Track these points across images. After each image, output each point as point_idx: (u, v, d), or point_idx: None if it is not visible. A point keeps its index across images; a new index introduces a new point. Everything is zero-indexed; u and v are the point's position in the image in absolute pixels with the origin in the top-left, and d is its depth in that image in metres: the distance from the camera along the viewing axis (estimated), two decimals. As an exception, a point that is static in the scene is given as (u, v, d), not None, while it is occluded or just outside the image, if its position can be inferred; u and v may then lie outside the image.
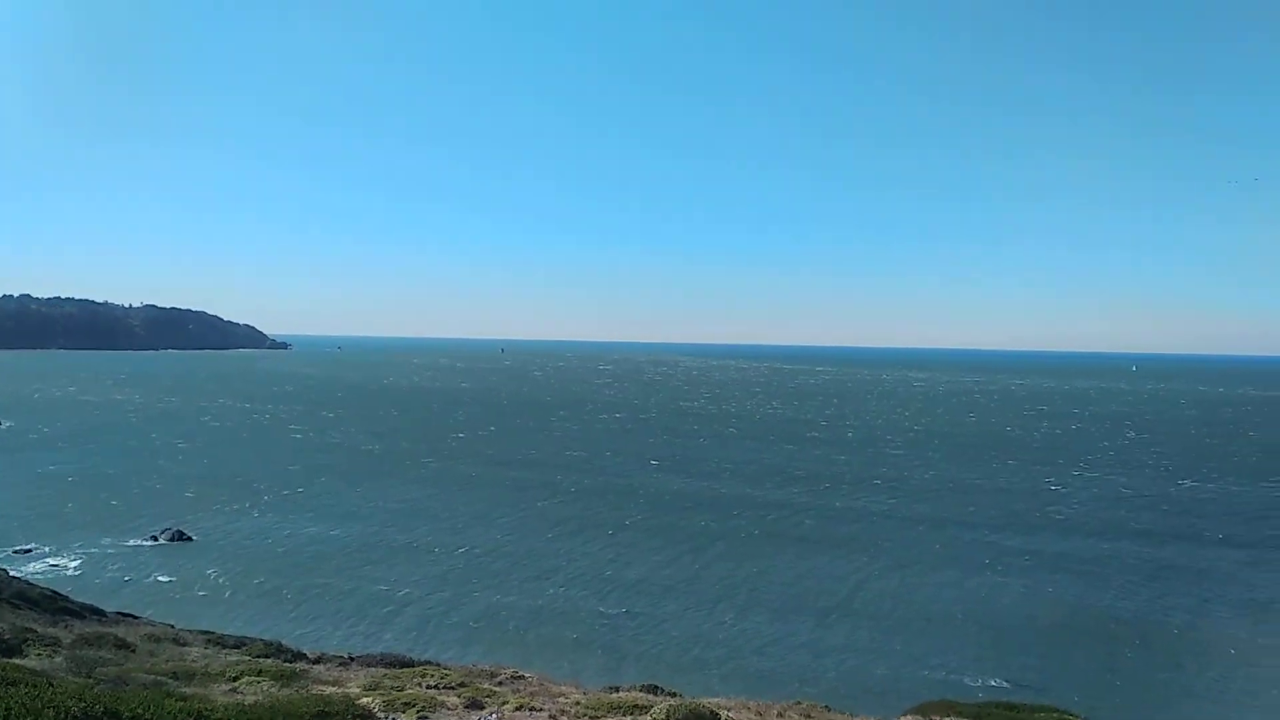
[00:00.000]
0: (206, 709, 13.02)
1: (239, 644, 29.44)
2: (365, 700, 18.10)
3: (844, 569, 70.57)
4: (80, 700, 10.88)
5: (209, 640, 29.80)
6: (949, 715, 25.80)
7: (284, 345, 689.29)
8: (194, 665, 22.45)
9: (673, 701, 21.65)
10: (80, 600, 36.63)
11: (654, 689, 25.67)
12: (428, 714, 18.08)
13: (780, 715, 22.08)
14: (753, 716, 21.67)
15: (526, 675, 24.91)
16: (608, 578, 66.91)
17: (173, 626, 34.25)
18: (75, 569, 66.25)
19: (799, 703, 24.60)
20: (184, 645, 27.84)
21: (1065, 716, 27.16)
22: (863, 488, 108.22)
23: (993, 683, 46.71)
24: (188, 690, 18.01)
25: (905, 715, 26.06)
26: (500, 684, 22.97)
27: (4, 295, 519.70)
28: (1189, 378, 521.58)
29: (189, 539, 76.06)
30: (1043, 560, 74.11)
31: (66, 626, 28.54)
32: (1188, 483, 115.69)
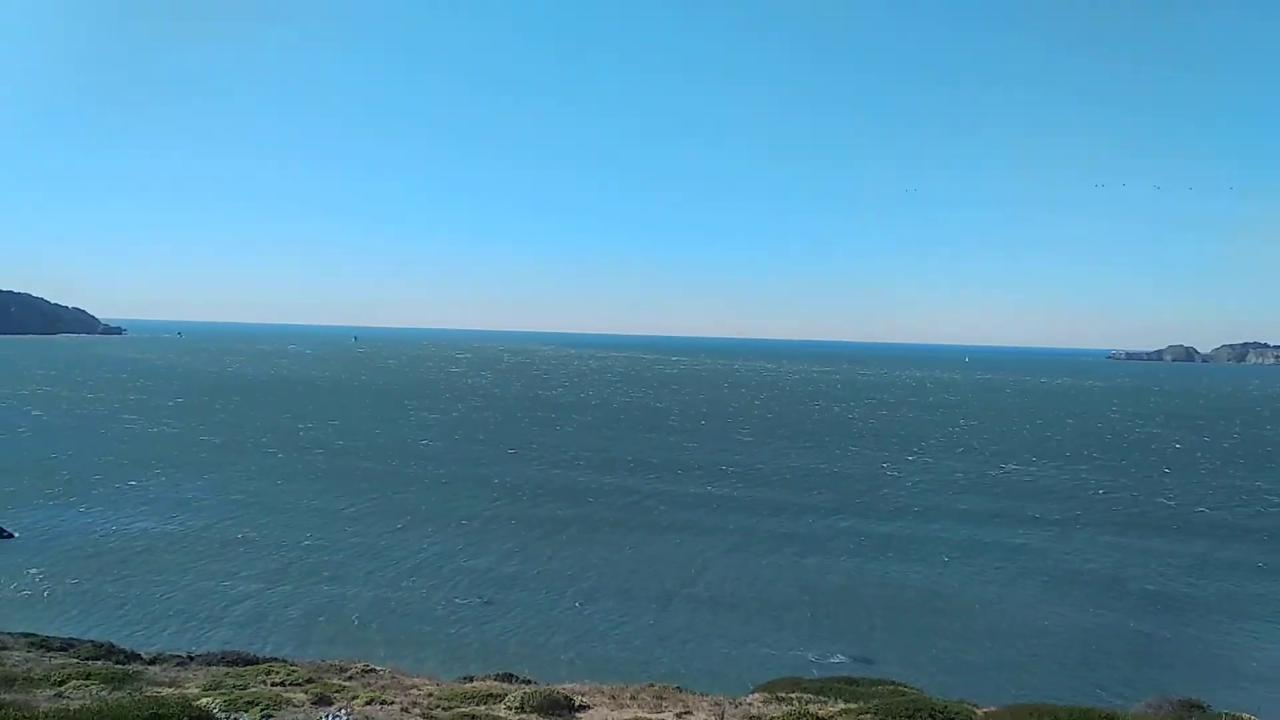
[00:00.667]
0: (27, 717, 12.27)
1: (65, 646, 27.63)
2: (204, 701, 17.42)
3: (688, 553, 72.33)
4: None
5: (31, 643, 27.82)
6: (795, 691, 26.93)
7: (118, 330, 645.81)
8: (14, 670, 20.97)
9: (528, 689, 21.82)
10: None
11: (508, 677, 25.74)
12: (272, 712, 17.56)
13: (634, 698, 22.58)
14: (607, 700, 22.08)
15: (378, 669, 24.52)
16: (459, 567, 66.23)
17: (-13, 631, 31.75)
18: None
19: (651, 685, 25.18)
20: (2, 649, 25.92)
21: (900, 689, 28.82)
22: (711, 474, 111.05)
23: (834, 659, 49.03)
24: (6, 697, 16.86)
25: (754, 692, 27.01)
26: (350, 679, 22.53)
27: None
28: (1015, 368, 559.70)
29: (8, 535, 70.44)
30: (873, 540, 78.07)
31: None
32: (1010, 466, 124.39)
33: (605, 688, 23.21)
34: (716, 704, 22.11)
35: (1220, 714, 25.42)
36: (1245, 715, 25.09)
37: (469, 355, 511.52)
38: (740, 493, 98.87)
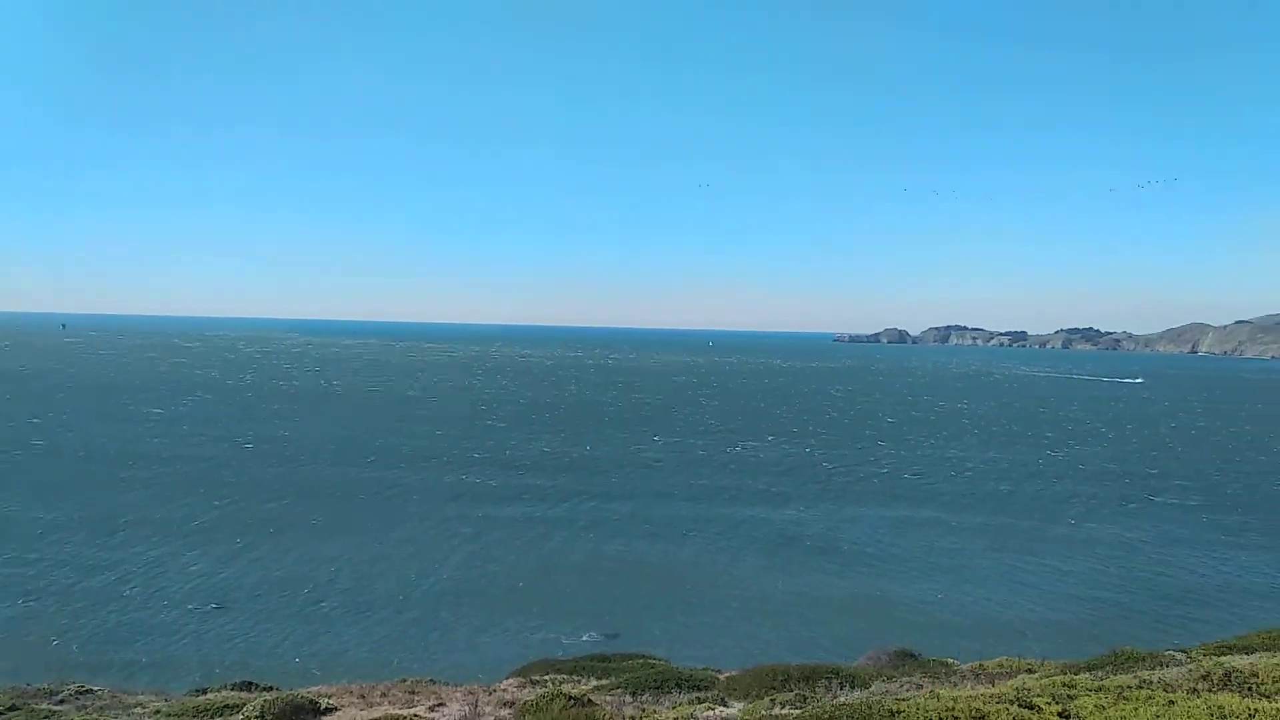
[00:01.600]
0: None
1: None
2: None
3: (429, 542, 71.47)
4: None
5: None
6: (549, 673, 27.42)
7: None
8: None
9: (268, 696, 20.79)
10: None
11: (247, 685, 24.39)
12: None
13: (384, 695, 22.14)
14: (355, 700, 21.50)
15: (95, 689, 22.39)
16: (185, 572, 61.34)
17: None
18: None
19: (404, 680, 24.79)
20: None
21: (650, 661, 30.11)
22: (458, 462, 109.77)
23: (584, 638, 50.31)
24: None
25: (508, 678, 27.21)
26: (61, 702, 20.46)
27: None
28: (754, 351, 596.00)
29: None
30: (615, 519, 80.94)
31: None
32: (745, 444, 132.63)
33: (354, 687, 22.59)
34: (470, 693, 22.15)
35: (929, 659, 28.75)
36: (949, 659, 28.55)
37: (198, 345, 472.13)
38: (484, 479, 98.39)
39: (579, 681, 25.38)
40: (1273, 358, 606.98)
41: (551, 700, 19.93)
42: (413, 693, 22.58)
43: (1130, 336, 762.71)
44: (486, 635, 51.27)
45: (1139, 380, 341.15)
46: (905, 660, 29.31)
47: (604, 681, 24.52)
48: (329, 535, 72.79)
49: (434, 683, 25.08)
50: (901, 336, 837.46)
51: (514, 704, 20.63)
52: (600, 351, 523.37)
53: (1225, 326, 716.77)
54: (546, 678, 26.46)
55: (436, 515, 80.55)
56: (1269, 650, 23.77)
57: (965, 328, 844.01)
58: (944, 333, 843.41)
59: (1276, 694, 13.84)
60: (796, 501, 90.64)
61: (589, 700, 20.16)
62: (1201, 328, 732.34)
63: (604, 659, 30.49)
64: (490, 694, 22.19)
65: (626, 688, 23.04)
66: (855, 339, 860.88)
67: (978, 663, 26.87)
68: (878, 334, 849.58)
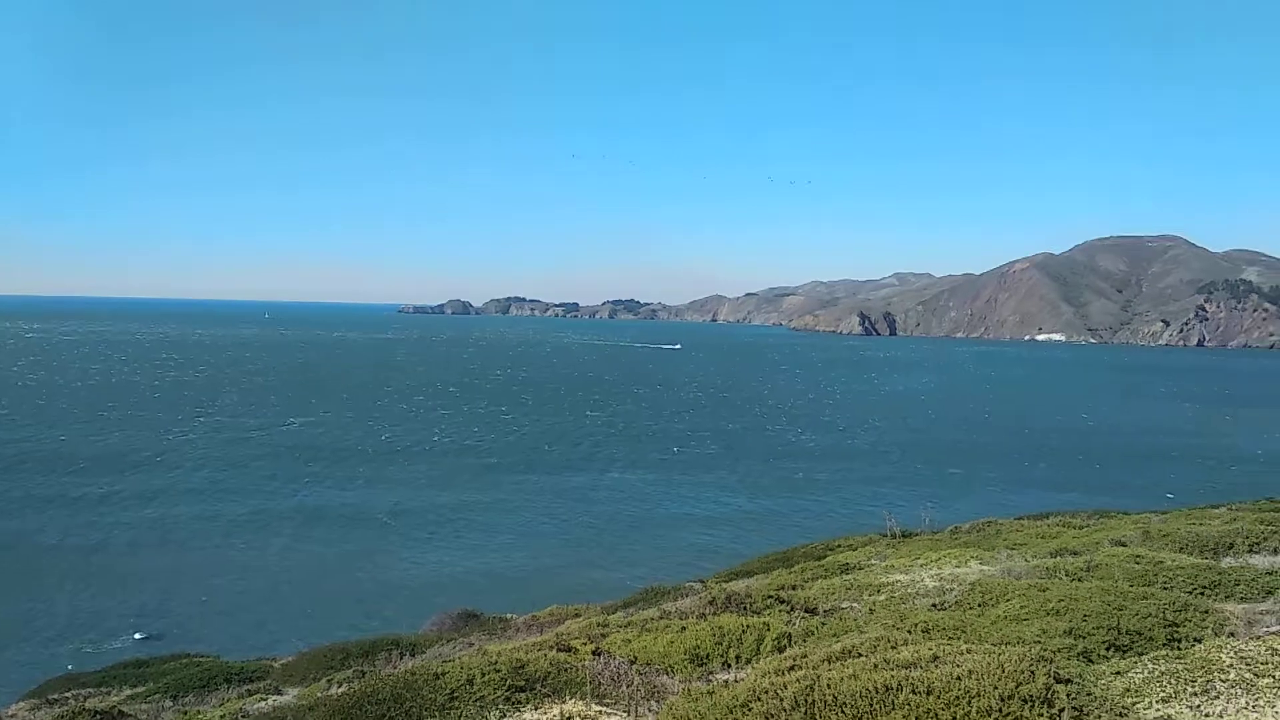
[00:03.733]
0: None
1: None
2: None
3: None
4: None
5: None
6: (71, 689, 24.26)
7: None
8: None
9: None
10: None
11: None
12: None
13: None
14: None
15: None
16: None
17: None
18: None
19: None
20: None
21: (195, 659, 27.82)
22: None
23: (117, 644, 45.03)
24: None
25: (20, 701, 23.59)
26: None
27: None
28: (316, 323, 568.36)
29: None
30: (148, 513, 73.44)
31: None
32: (297, 420, 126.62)
33: None
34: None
35: (490, 617, 29.94)
36: (508, 615, 29.95)
37: None
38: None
39: (108, 693, 22.95)
40: (774, 324, 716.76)
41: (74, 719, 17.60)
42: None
43: (664, 307, 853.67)
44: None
45: (677, 346, 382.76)
46: (468, 621, 30.26)
47: (140, 689, 22.33)
48: None
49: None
50: (465, 308, 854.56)
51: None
52: (135, 325, 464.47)
53: (738, 298, 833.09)
54: (68, 695, 23.40)
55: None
56: (763, 573, 28.39)
57: (524, 299, 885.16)
58: (505, 304, 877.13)
59: (765, 609, 16.57)
60: (340, 479, 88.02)
61: (120, 713, 18.12)
62: (720, 299, 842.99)
63: (141, 664, 27.76)
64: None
65: (166, 692, 21.21)
66: (420, 310, 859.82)
67: (531, 615, 28.64)
68: (442, 305, 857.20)
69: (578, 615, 25.77)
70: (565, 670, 12.21)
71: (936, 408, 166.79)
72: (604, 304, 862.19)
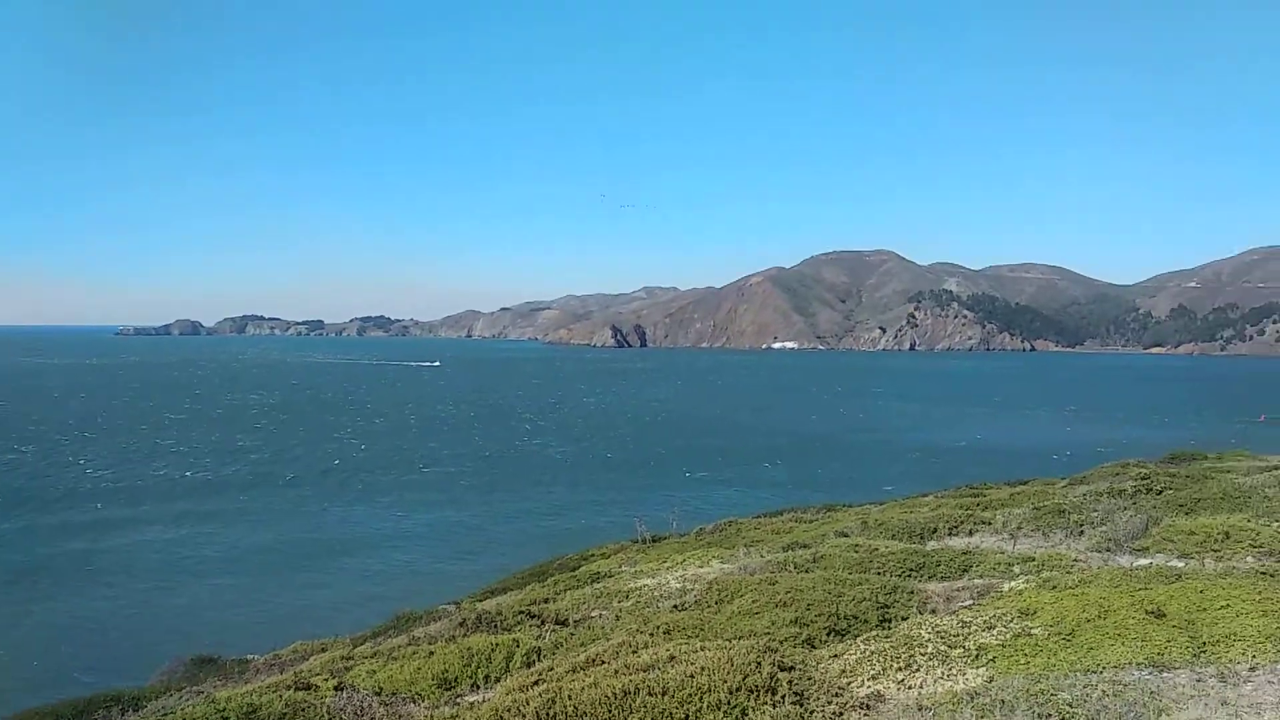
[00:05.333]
0: None
1: None
2: None
3: None
4: None
5: None
6: None
7: None
8: None
9: None
10: None
11: None
12: None
13: None
14: None
15: None
16: None
17: None
18: None
19: None
20: None
21: None
22: None
23: None
24: None
25: None
26: None
27: None
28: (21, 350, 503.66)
29: None
30: None
31: None
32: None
33: None
34: None
35: (228, 661, 27.70)
36: (249, 656, 27.83)
37: None
38: None
39: None
40: (530, 338, 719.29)
41: None
42: None
43: (417, 323, 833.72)
44: None
45: (437, 364, 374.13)
46: (203, 667, 27.91)
47: None
48: None
49: None
50: (195, 328, 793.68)
51: None
52: None
53: (493, 313, 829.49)
54: None
55: None
56: (518, 589, 28.32)
57: (263, 317, 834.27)
58: (240, 323, 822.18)
59: (516, 626, 16.52)
60: (48, 527, 77.93)
61: None
62: (475, 314, 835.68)
63: None
64: None
65: None
66: (142, 331, 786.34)
67: (273, 653, 26.88)
68: (168, 325, 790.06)
69: (324, 649, 24.50)
70: (303, 710, 11.58)
71: (682, 414, 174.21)
72: (352, 321, 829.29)
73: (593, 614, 16.94)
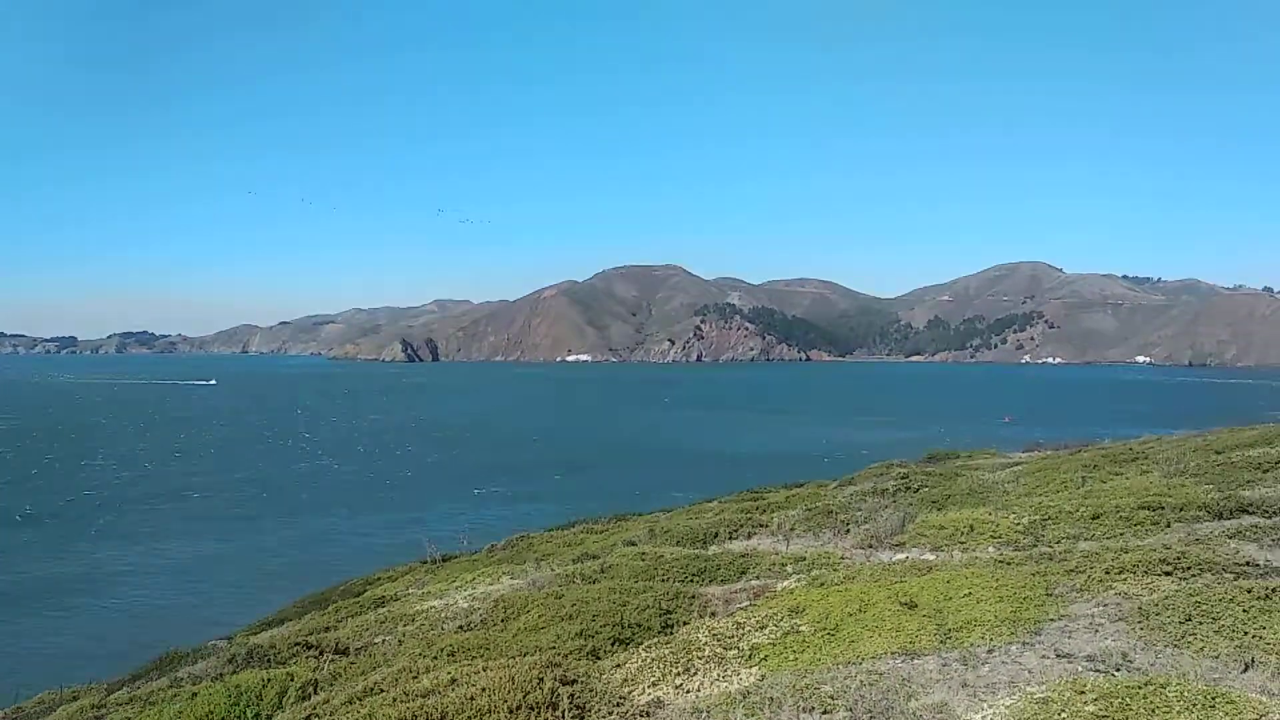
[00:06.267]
0: None
1: None
2: None
3: None
4: None
5: None
6: None
7: None
8: None
9: None
10: None
11: None
12: None
13: None
14: None
15: None
16: None
17: None
18: None
19: None
20: None
21: None
22: None
23: None
24: None
25: None
26: None
27: None
28: None
29: None
30: None
31: None
32: None
33: None
34: None
35: None
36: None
37: None
38: None
39: None
40: (313, 354, 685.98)
41: None
42: None
43: (186, 339, 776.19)
44: None
45: (213, 382, 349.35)
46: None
47: None
48: None
49: None
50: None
51: None
52: None
53: (271, 327, 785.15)
54: None
55: None
56: (296, 619, 26.80)
57: (4, 334, 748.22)
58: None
59: (291, 659, 15.59)
60: None
61: None
62: (252, 329, 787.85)
63: None
64: None
65: None
66: None
67: (15, 706, 24.08)
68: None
69: (75, 698, 22.14)
70: (40, 772, 10.40)
71: (473, 429, 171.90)
72: (110, 337, 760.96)
73: (375, 640, 16.31)
